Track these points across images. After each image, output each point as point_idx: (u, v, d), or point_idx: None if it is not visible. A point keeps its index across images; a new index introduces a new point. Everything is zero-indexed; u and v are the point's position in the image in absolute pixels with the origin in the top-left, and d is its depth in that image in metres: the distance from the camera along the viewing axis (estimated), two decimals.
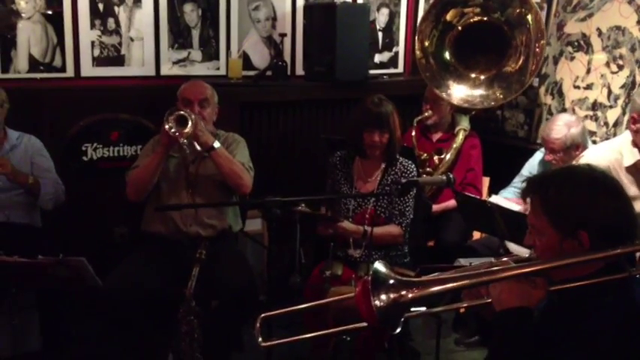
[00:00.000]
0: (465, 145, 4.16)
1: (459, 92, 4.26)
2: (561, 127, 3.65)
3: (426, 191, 4.08)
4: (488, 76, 4.26)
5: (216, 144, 3.21)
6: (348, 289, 2.93)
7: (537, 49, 4.04)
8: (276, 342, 1.86)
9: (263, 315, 1.87)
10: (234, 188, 3.33)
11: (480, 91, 4.26)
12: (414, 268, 3.12)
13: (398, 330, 1.61)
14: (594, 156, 3.13)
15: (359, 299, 1.57)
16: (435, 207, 4.07)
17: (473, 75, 4.30)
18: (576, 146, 3.60)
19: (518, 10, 4.09)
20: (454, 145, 4.14)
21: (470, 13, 4.23)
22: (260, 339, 1.80)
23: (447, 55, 4.32)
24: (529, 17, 4.05)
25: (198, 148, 3.24)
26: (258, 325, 1.83)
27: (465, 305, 1.81)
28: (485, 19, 4.21)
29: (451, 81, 4.27)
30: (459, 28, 4.27)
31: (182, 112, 3.13)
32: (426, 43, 4.25)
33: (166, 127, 3.10)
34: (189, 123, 3.10)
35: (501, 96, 4.21)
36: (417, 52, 4.26)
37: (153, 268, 3.21)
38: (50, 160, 3.48)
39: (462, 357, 3.71)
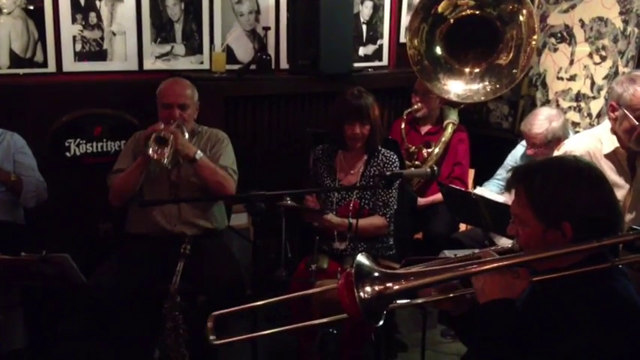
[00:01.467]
0: (454, 139, 4.17)
1: (455, 88, 4.26)
2: (542, 121, 3.67)
3: (413, 184, 4.09)
4: (480, 70, 4.27)
5: (198, 155, 3.17)
6: (333, 283, 2.93)
7: (528, 46, 4.05)
8: (229, 339, 1.85)
9: (215, 313, 1.87)
10: (217, 194, 3.32)
11: (474, 86, 4.26)
12: (399, 260, 3.13)
13: (381, 322, 1.61)
14: (574, 144, 3.16)
15: (341, 292, 1.56)
16: (423, 200, 4.08)
17: (467, 69, 4.30)
18: (557, 140, 3.62)
19: (511, 7, 4.10)
20: (443, 139, 4.15)
21: (463, 6, 4.22)
22: (212, 337, 1.80)
23: (438, 49, 4.32)
24: (522, 14, 4.05)
25: (181, 160, 3.23)
26: (209, 324, 1.82)
27: (446, 296, 1.81)
28: (477, 12, 4.21)
29: (443, 76, 4.27)
30: (451, 21, 4.26)
31: (161, 134, 3.08)
32: (416, 40, 4.25)
33: (149, 152, 3.06)
34: (170, 143, 3.07)
35: (491, 90, 4.22)
36: (410, 51, 4.24)
37: (138, 265, 3.19)
38: (33, 158, 3.45)
39: (448, 348, 3.73)
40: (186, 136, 3.23)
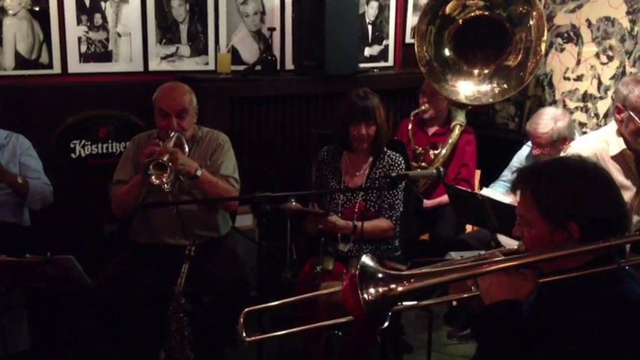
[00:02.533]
0: (461, 141, 4.16)
1: (464, 89, 4.25)
2: (548, 121, 3.65)
3: (419, 186, 4.07)
4: (488, 71, 4.25)
5: (199, 172, 3.11)
6: (339, 284, 2.92)
7: (538, 48, 4.03)
8: (260, 337, 1.86)
9: (246, 310, 1.86)
10: (219, 207, 3.30)
11: (482, 87, 4.24)
12: (405, 262, 3.12)
13: (386, 324, 1.60)
14: (581, 146, 3.14)
15: (346, 293, 1.55)
16: (429, 202, 4.07)
17: (475, 70, 4.29)
18: (563, 140, 3.60)
19: (521, 8, 4.09)
20: (450, 140, 4.13)
21: (472, 7, 4.22)
22: (244, 334, 1.79)
23: (446, 51, 4.31)
24: (532, 16, 4.05)
25: (182, 178, 3.18)
26: (241, 320, 1.82)
27: (454, 298, 1.80)
28: (486, 13, 4.20)
29: (452, 77, 4.26)
30: (460, 22, 4.25)
31: (159, 161, 2.98)
32: (424, 42, 4.24)
33: (152, 180, 2.98)
34: (169, 169, 2.99)
35: (500, 92, 4.20)
36: (418, 53, 4.24)
37: (143, 266, 3.18)
38: (39, 160, 3.44)
39: (455, 350, 3.70)
40: (186, 148, 3.18)
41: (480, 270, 1.67)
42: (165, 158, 2.98)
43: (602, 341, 1.56)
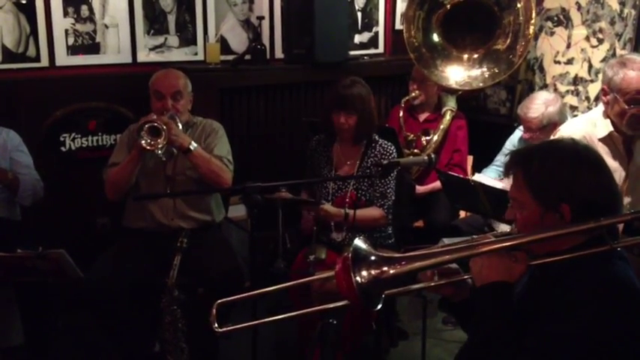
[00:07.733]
0: (452, 126, 4.15)
1: (454, 75, 4.23)
2: (539, 105, 3.65)
3: (412, 173, 4.07)
4: (478, 55, 4.24)
5: (192, 145, 3.13)
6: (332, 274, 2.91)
7: (526, 31, 4.01)
8: (232, 327, 1.83)
9: (219, 301, 1.84)
10: (213, 185, 3.29)
11: (472, 72, 4.23)
12: (398, 250, 3.11)
13: (379, 307, 1.60)
14: (570, 129, 3.13)
15: (339, 276, 1.55)
16: (422, 188, 4.06)
17: (465, 55, 4.27)
18: (553, 124, 3.60)
19: None
20: (441, 126, 4.12)
21: None
22: (215, 325, 1.78)
23: (435, 36, 4.29)
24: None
25: (175, 151, 3.21)
26: (214, 311, 1.80)
27: (445, 282, 1.80)
28: None
29: (441, 63, 4.24)
30: (448, 6, 4.23)
31: (155, 124, 3.04)
32: (413, 28, 4.21)
33: (142, 143, 3.03)
34: (163, 133, 3.03)
35: (490, 76, 4.18)
36: (407, 39, 4.21)
37: (136, 259, 3.17)
38: (29, 156, 3.42)
39: (450, 335, 3.71)
40: (180, 127, 3.19)
41: (472, 251, 1.67)
42: (160, 122, 3.03)
43: (593, 323, 1.56)
